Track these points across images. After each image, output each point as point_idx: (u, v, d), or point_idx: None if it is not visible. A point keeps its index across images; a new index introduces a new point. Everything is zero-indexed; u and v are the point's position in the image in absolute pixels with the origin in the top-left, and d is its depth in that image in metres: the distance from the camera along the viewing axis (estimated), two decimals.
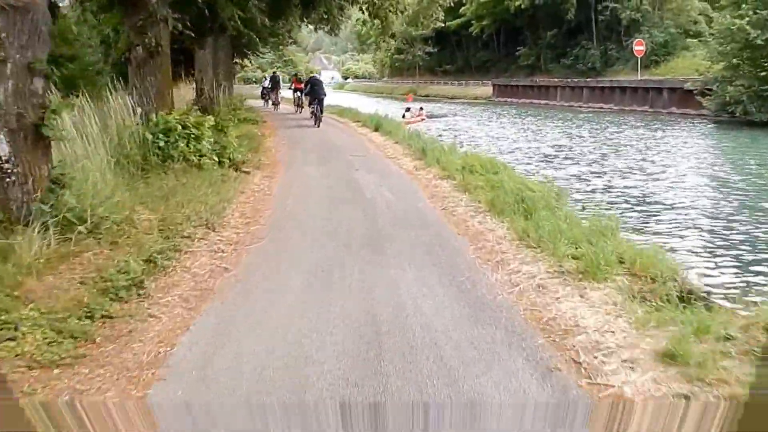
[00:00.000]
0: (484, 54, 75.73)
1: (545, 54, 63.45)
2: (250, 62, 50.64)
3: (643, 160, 20.30)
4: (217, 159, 11.31)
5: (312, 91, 22.19)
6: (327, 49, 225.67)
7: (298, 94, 28.77)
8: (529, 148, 23.88)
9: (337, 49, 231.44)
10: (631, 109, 40.45)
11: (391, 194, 9.76)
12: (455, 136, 26.21)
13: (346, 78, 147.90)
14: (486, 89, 62.74)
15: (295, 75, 35.64)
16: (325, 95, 22.33)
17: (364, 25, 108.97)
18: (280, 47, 58.27)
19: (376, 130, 20.17)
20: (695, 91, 33.16)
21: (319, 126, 21.81)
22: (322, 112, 22.31)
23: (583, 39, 58.05)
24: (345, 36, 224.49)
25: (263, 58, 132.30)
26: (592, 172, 18.04)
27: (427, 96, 71.60)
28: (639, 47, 45.08)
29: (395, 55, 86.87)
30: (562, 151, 22.93)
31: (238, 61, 53.06)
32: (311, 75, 28.60)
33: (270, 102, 35.80)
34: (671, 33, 50.65)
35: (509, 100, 55.69)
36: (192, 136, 11.01)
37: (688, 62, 49.08)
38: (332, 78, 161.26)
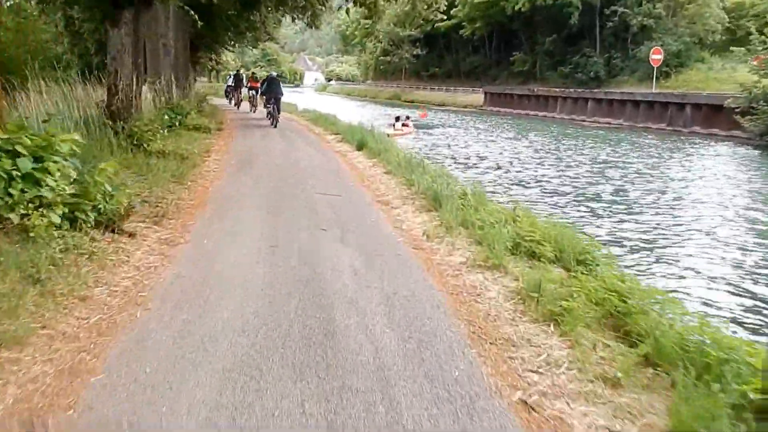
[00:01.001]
0: (475, 59, 70.85)
1: (542, 60, 58.69)
2: (216, 58, 45.17)
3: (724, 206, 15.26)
4: (66, 213, 6.11)
5: (268, 90, 21.12)
6: (312, 51, 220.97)
7: (253, 92, 28.04)
8: (562, 183, 17.91)
9: (322, 50, 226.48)
10: (645, 127, 35.71)
11: (394, 333, 4.33)
12: (454, 158, 21.28)
13: (329, 80, 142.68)
14: (477, 97, 57.80)
15: (252, 74, 33.99)
16: (282, 94, 21.13)
17: (350, 26, 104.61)
18: (258, 43, 53.39)
19: (360, 149, 15.03)
20: (737, 110, 28.30)
21: (276, 126, 20.49)
22: (279, 111, 20.86)
23: (585, 46, 53.37)
24: (330, 37, 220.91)
25: (247, 56, 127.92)
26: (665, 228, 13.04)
27: (412, 102, 66.64)
28: (656, 56, 40.38)
29: (381, 56, 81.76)
30: (608, 188, 17.98)
31: (213, 56, 48.08)
32: (268, 74, 26.32)
33: (233, 101, 33.86)
34: (686, 42, 46.11)
35: (502, 110, 50.78)
36: (18, 174, 5.84)
37: (702, 75, 44.72)
38: (315, 79, 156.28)
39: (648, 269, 9.21)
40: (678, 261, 9.92)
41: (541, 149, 25.52)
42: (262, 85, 23.56)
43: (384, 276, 5.54)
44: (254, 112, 27.00)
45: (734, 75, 43.77)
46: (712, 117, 31.68)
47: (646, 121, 35.97)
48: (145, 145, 11.42)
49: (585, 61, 52.55)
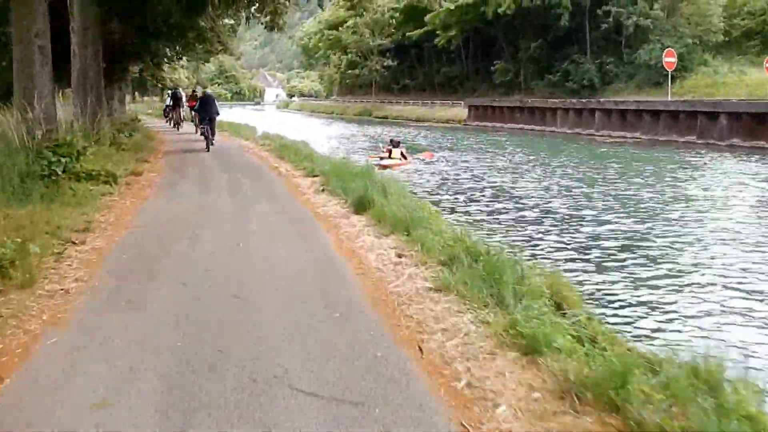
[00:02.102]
0: (450, 69, 65.16)
1: (526, 69, 53.19)
2: (158, 73, 38.87)
3: None
4: None
5: (202, 109, 18.97)
6: (272, 66, 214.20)
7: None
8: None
9: (283, 66, 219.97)
10: (668, 140, 30.08)
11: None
12: (498, 210, 15.25)
13: (291, 96, 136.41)
14: (458, 111, 51.90)
15: (193, 92, 31.18)
16: (218, 114, 19.45)
17: (313, 37, 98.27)
18: (211, 56, 46.84)
19: (361, 210, 8.62)
20: None
21: (209, 147, 18.08)
22: (213, 133, 18.83)
23: (574, 51, 48.01)
24: (291, 52, 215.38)
25: (204, 73, 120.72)
26: None
27: (385, 118, 60.64)
28: (670, 59, 34.93)
29: (348, 69, 75.54)
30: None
31: (154, 71, 41.61)
32: (204, 91, 23.63)
33: (172, 122, 30.54)
34: (688, 44, 40.92)
35: (489, 125, 44.88)
36: None
37: (708, 80, 39.57)
38: (276, 96, 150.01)
39: None
40: None
41: (579, 177, 19.40)
42: (196, 103, 21.61)
43: None
44: (198, 133, 23.36)
45: (744, 78, 38.88)
46: (756, 127, 26.15)
47: (670, 133, 30.35)
48: None
49: (575, 68, 47.18)
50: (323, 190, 10.71)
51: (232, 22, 37.57)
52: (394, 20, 64.56)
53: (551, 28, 48.68)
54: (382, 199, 8.63)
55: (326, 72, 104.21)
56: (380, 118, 61.23)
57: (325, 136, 37.46)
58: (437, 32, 59.06)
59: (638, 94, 41.27)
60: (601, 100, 35.82)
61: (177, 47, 42.83)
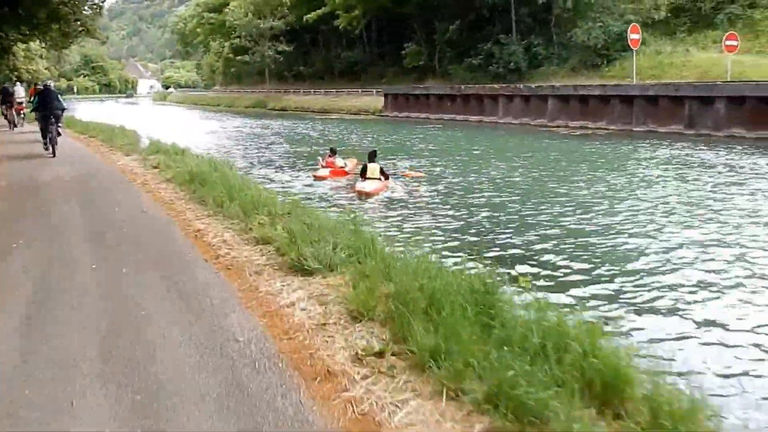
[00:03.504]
0: (351, 54, 57.96)
1: (443, 52, 47.09)
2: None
3: None
4: None
5: (42, 105, 14.99)
6: (142, 56, 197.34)
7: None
8: None
9: (154, 55, 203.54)
10: (646, 131, 24.92)
11: None
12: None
13: (167, 87, 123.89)
14: (370, 100, 45.05)
15: (35, 85, 25.10)
16: (64, 109, 15.79)
17: (190, 22, 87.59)
18: (70, 41, 37.30)
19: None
20: None
21: (54, 152, 14.44)
22: (59, 132, 15.09)
23: (498, 32, 42.31)
24: (163, 41, 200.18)
25: (67, 64, 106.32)
26: None
27: (283, 110, 52.81)
28: (634, 35, 29.70)
29: (234, 56, 66.41)
30: None
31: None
32: (44, 84, 18.70)
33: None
34: (629, 21, 36.21)
35: (413, 115, 38.45)
36: None
37: (651, 60, 35.02)
38: (151, 87, 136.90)
39: None
40: None
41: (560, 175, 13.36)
42: (33, 99, 18.13)
43: None
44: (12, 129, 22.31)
45: (692, 59, 34.78)
46: (762, 114, 21.32)
47: (647, 122, 25.17)
48: None
49: (500, 50, 41.45)
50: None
51: None
52: (287, 0, 56.45)
53: (471, 7, 42.80)
54: None
55: (206, 60, 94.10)
56: (278, 110, 53.17)
57: (231, 138, 29.48)
58: (338, 13, 51.84)
59: (574, 77, 36.17)
60: (557, 84, 30.22)
61: (24, 28, 33.18)
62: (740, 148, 19.77)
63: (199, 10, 77.39)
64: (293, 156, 21.19)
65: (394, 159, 18.26)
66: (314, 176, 14.95)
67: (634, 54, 29.93)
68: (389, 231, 8.95)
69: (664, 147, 20.68)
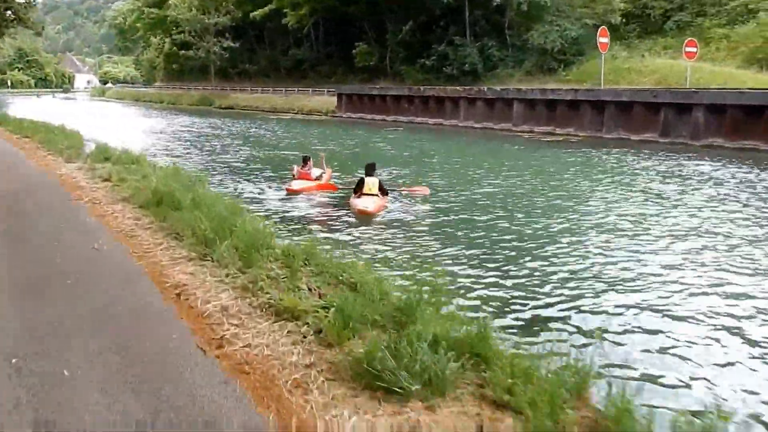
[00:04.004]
0: (299, 52, 55.33)
1: (395, 53, 45.17)
2: None
3: None
4: None
5: None
6: (79, 51, 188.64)
7: None
8: None
9: (91, 50, 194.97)
10: (617, 138, 23.65)
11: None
12: None
13: (105, 83, 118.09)
14: (323, 100, 42.71)
15: None
16: None
17: (129, 16, 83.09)
18: (3, 30, 33.91)
19: None
20: None
21: None
22: None
23: (452, 33, 40.63)
24: (100, 36, 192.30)
25: (2, 57, 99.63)
26: None
27: (230, 108, 49.94)
28: (603, 39, 28.38)
29: (177, 51, 62.76)
30: None
31: None
32: None
33: None
34: (587, 25, 35.17)
35: (369, 117, 36.42)
36: None
37: (608, 65, 33.91)
38: (88, 82, 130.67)
39: None
40: None
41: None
42: None
43: None
44: None
45: (648, 65, 33.89)
46: (749, 124, 20.22)
47: (618, 129, 23.89)
48: None
49: (454, 52, 39.78)
50: None
51: None
52: None
53: (423, 8, 40.99)
54: None
55: (145, 56, 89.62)
56: (224, 108, 50.11)
57: (182, 140, 26.68)
58: (285, 11, 49.27)
59: (530, 81, 34.82)
60: (523, 88, 28.60)
61: None
62: (724, 158, 18.60)
63: (139, 4, 73.17)
64: (255, 161, 18.90)
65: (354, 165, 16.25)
66: (287, 189, 12.73)
67: (602, 58, 28.68)
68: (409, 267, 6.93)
69: (643, 156, 19.32)
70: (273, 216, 9.85)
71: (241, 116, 42.11)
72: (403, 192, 12.43)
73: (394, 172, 16.10)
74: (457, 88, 32.27)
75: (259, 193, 13.03)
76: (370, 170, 11.52)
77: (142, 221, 6.79)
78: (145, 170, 10.12)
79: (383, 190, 11.14)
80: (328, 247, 5.88)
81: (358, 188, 11.19)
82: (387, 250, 8.06)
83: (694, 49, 27.22)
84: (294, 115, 41.35)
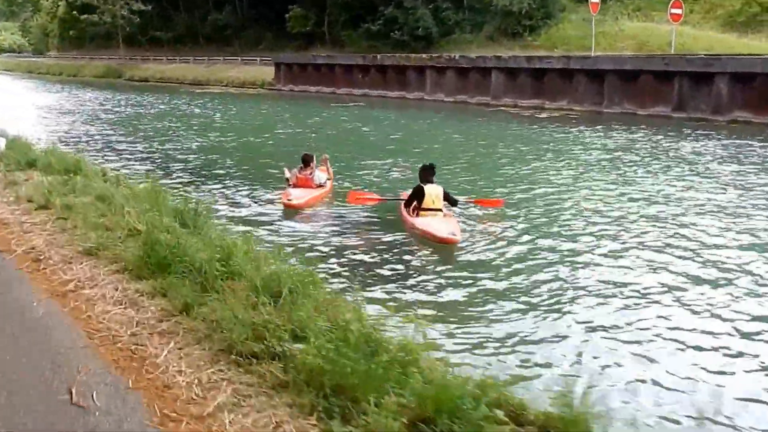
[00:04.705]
0: (221, 16, 49.41)
1: (334, 16, 40.56)
2: None
3: None
4: None
5: None
6: None
7: None
8: None
9: None
10: (621, 112, 20.71)
11: None
12: None
13: None
14: (256, 70, 37.61)
15: None
16: None
17: None
18: None
19: None
20: None
21: None
22: None
23: None
24: None
25: None
26: None
27: (144, 80, 43.94)
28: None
29: (75, 16, 55.04)
30: None
31: None
32: None
33: None
34: None
35: (314, 89, 31.98)
36: None
37: (579, 30, 31.03)
38: None
39: None
40: None
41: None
42: None
43: None
44: None
45: (624, 28, 31.06)
46: None
47: (622, 102, 20.92)
48: None
49: (404, 15, 35.75)
50: None
51: None
52: None
53: None
54: None
55: (35, 22, 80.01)
56: (137, 81, 43.91)
57: (101, 122, 21.39)
58: None
59: (492, 47, 31.44)
60: (505, 56, 25.06)
61: None
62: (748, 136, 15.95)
63: None
64: (211, 153, 14.52)
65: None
66: (285, 204, 8.77)
67: (593, 21, 25.51)
68: None
69: (659, 134, 16.40)
70: (294, 250, 6.10)
71: (160, 90, 36.35)
72: (471, 203, 8.76)
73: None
74: (423, 56, 28.36)
75: (246, 208, 9.10)
76: (428, 175, 7.92)
77: (134, 298, 3.48)
78: (96, 184, 6.08)
79: (450, 200, 7.79)
80: None
81: (416, 200, 7.56)
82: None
83: (680, 11, 24.48)
84: (225, 89, 36.07)
